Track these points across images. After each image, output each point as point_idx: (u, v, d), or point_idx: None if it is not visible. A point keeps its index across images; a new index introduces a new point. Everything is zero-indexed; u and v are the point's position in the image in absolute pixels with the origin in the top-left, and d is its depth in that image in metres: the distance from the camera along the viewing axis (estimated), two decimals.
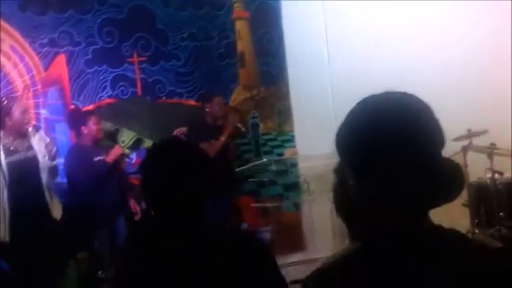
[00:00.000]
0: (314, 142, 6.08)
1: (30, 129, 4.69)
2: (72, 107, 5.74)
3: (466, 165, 5.55)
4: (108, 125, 5.82)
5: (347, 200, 1.18)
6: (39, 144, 4.66)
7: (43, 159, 4.62)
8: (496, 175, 5.57)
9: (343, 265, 1.17)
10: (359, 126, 1.15)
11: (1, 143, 4.46)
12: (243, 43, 6.54)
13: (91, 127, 5.20)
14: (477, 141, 5.69)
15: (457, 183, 1.16)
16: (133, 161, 5.86)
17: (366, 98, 1.18)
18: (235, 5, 6.48)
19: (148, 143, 5.93)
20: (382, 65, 6.18)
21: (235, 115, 6.17)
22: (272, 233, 6.00)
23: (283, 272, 1.90)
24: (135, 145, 6.01)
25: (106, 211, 5.04)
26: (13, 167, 4.45)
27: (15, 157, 4.50)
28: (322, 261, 1.20)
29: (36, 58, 5.69)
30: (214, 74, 6.36)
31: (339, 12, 6.45)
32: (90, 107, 5.81)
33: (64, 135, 5.67)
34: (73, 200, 5.03)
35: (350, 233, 1.21)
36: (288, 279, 2.29)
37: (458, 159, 5.44)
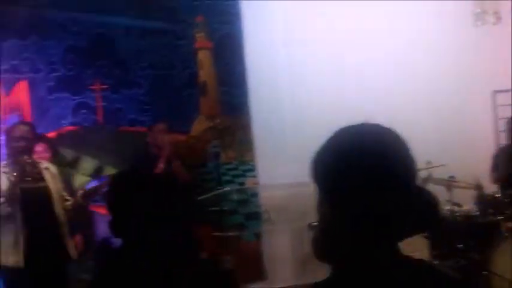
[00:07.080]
0: (275, 172, 6.13)
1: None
2: None
3: None
4: (69, 153, 5.77)
5: (325, 229, 1.18)
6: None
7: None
8: (455, 207, 5.62)
9: None
10: (336, 156, 1.15)
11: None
12: (205, 73, 6.57)
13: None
14: (436, 174, 5.61)
15: (430, 213, 1.18)
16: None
17: (342, 128, 1.19)
18: (198, 35, 6.50)
19: (109, 171, 5.87)
20: (343, 97, 6.28)
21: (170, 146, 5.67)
22: (232, 263, 5.99)
23: None
24: (96, 173, 5.96)
25: None
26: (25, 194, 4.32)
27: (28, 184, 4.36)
28: None
29: None
30: (176, 103, 6.37)
31: (303, 45, 6.51)
32: (52, 134, 5.74)
33: None
34: None
35: (328, 263, 1.19)
36: None
37: None
